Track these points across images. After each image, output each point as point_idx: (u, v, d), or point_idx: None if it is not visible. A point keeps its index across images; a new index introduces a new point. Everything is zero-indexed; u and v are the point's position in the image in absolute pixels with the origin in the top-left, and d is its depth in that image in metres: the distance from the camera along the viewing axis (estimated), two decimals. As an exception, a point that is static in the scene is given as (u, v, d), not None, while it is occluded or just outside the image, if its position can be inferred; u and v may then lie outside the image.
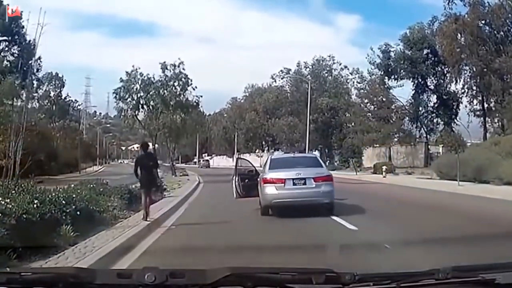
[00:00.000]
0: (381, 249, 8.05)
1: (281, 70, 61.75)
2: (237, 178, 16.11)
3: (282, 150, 63.08)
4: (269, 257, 7.46)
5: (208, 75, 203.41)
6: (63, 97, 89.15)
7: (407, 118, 50.95)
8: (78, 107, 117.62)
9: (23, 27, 37.12)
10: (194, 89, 34.91)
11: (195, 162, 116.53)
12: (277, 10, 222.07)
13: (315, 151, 56.15)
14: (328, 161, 55.43)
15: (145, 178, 12.11)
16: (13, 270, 3.23)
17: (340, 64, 58.97)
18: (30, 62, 55.76)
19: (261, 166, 19.30)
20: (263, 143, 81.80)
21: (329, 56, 59.55)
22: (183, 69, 34.87)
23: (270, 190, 13.09)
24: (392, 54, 51.05)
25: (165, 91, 34.49)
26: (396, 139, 48.78)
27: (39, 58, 56.72)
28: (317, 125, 54.52)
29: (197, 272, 2.32)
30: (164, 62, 35.39)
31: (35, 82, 61.08)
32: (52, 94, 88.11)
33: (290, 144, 59.60)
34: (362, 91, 52.47)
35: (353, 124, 53.74)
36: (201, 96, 35.17)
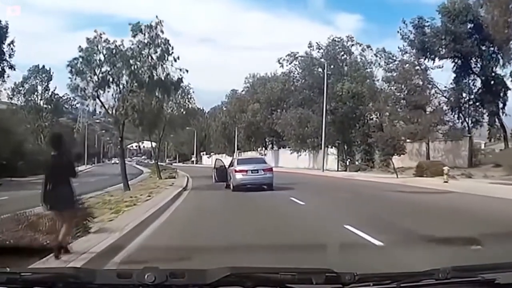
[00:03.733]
0: None
1: (288, 54, 50.87)
2: (215, 171, 26.11)
3: (291, 147, 52.18)
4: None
5: (208, 75, 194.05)
6: (50, 91, 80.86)
7: (446, 106, 40.19)
8: (76, 105, 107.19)
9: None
10: (176, 60, 23.98)
11: (193, 161, 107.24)
12: (277, 10, 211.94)
13: (331, 147, 45.35)
14: (349, 160, 44.56)
15: (52, 192, 7.42)
16: (13, 270, 2.55)
17: (360, 45, 48.10)
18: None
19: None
20: (266, 139, 70.73)
21: (347, 37, 48.70)
22: (162, 31, 23.98)
23: (238, 176, 21.76)
24: (427, 29, 40.41)
25: (137, 62, 23.59)
26: (439, 133, 37.88)
27: (12, 42, 48.63)
28: (335, 116, 43.64)
29: (197, 272, 2.27)
30: (138, 23, 24.55)
31: (7, 69, 51.23)
32: (39, 88, 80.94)
33: (300, 140, 48.66)
34: (391, 74, 41.52)
35: (379, 114, 42.93)
36: (187, 71, 24.28)
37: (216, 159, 31.56)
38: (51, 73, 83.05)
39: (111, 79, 24.52)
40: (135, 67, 23.77)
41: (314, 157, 51.50)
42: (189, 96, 37.62)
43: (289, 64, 50.97)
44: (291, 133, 49.72)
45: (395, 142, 29.14)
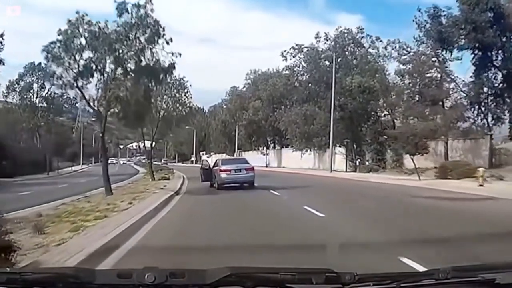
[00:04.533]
0: None
1: (292, 47, 47.32)
2: (202, 171, 26.59)
3: (294, 146, 48.65)
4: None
5: (208, 75, 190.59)
6: (47, 89, 78.24)
7: (465, 101, 36.71)
8: (76, 104, 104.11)
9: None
10: (168, 43, 20.49)
11: (192, 161, 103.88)
12: (277, 10, 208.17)
13: (339, 146, 41.84)
14: (359, 160, 41.02)
15: None
16: (13, 270, 2.84)
17: (370, 37, 44.49)
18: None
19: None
20: (268, 138, 67.12)
21: (357, 28, 45.08)
22: (152, 10, 20.48)
23: (223, 175, 22.62)
24: (443, 19, 37.00)
25: (122, 45, 20.05)
26: (460, 130, 34.31)
27: (1, 35, 45.60)
28: (344, 112, 40.12)
29: (197, 272, 2.27)
30: (124, 1, 21.00)
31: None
32: (35, 86, 78.33)
33: (305, 139, 45.08)
34: (404, 67, 37.98)
35: (391, 110, 39.44)
36: (179, 55, 20.72)
37: (203, 159, 34.02)
38: (47, 71, 79.77)
39: (94, 67, 21.00)
40: (120, 51, 20.24)
41: (320, 157, 47.98)
42: (185, 90, 34.19)
43: (293, 57, 47.45)
44: (295, 131, 46.18)
45: (417, 140, 25.55)
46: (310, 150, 46.48)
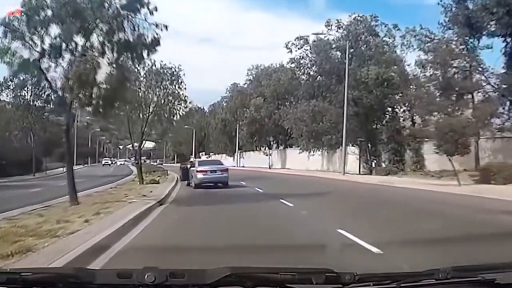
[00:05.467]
0: None
1: (298, 38, 42.80)
2: (181, 171, 28.74)
3: (301, 146, 44.02)
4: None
5: (208, 75, 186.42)
6: (41, 87, 75.22)
7: (495, 94, 32.17)
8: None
9: None
10: (152, 13, 15.94)
11: (191, 161, 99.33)
12: (278, 10, 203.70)
13: (352, 146, 37.28)
14: (375, 161, 36.45)
15: None
16: (13, 270, 2.62)
17: (385, 26, 39.90)
18: None
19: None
20: (271, 138, 62.35)
21: (371, 16, 40.45)
22: (133, -31, 15.91)
23: (200, 175, 23.65)
24: (469, 4, 32.55)
25: (92, 13, 15.47)
26: (496, 127, 29.67)
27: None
28: (358, 107, 35.56)
29: (197, 272, 2.23)
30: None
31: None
32: (29, 83, 75.96)
33: (313, 137, 40.46)
34: (426, 57, 33.41)
35: (410, 105, 34.93)
36: (166, 28, 16.11)
37: (181, 161, 33.34)
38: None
39: (64, 46, 16.42)
40: (89, 21, 15.68)
41: (329, 158, 43.44)
42: (179, 81, 29.64)
43: (299, 49, 42.92)
44: (302, 129, 41.55)
45: (458, 137, 20.96)
46: (318, 150, 41.92)
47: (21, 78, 75.50)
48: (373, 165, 35.60)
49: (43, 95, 75.85)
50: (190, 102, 30.76)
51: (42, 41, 16.34)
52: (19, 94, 77.24)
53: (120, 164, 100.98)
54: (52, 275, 2.30)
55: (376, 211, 12.99)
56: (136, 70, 29.11)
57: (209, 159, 34.04)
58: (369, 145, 36.74)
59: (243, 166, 68.88)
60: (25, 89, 77.45)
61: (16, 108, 75.22)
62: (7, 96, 75.74)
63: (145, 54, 15.77)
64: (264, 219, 11.42)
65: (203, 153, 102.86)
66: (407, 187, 21.99)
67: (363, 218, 11.19)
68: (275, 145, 63.10)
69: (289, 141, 54.81)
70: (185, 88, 29.89)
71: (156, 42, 15.98)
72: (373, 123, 36.55)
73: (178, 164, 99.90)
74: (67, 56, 16.41)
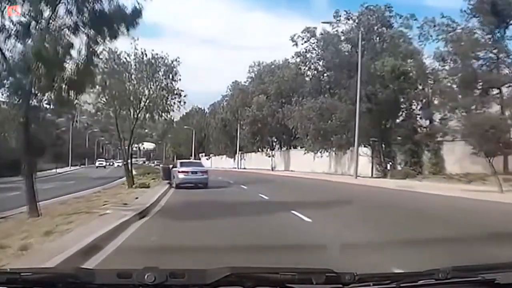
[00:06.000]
0: None
1: (305, 30, 39.57)
2: (162, 171, 29.61)
3: (307, 147, 40.71)
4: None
5: (209, 76, 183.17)
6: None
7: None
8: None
9: None
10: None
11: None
12: (279, 10, 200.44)
13: (364, 146, 33.99)
14: (390, 163, 33.14)
15: None
16: (13, 270, 2.51)
17: (400, 17, 36.58)
18: None
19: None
20: (274, 138, 58.85)
21: (385, 6, 37.13)
22: None
23: (181, 176, 24.21)
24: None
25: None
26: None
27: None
28: (372, 104, 32.25)
29: (197, 272, 2.23)
30: None
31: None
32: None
33: (321, 137, 37.18)
34: (446, 48, 30.18)
35: (427, 101, 31.68)
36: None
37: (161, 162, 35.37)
38: None
39: (34, 24, 13.12)
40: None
41: (337, 159, 40.13)
42: (174, 72, 26.40)
43: (306, 42, 39.69)
44: (308, 128, 38.26)
45: (500, 135, 17.65)
46: (326, 151, 38.64)
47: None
48: (388, 168, 32.28)
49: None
50: (185, 96, 27.12)
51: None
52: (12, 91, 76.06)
53: (118, 165, 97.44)
54: (52, 275, 2.28)
55: (432, 229, 9.55)
56: (125, 60, 26.20)
57: (190, 160, 36.75)
58: (383, 145, 33.42)
59: (244, 168, 65.60)
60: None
61: (10, 107, 73.89)
62: (2, 94, 75.20)
63: (123, 29, 12.51)
64: (279, 250, 7.81)
65: (203, 154, 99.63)
66: (437, 194, 18.59)
67: (426, 244, 7.78)
68: (277, 146, 59.74)
69: (293, 142, 51.52)
70: (179, 79, 26.55)
71: (137, 13, 12.70)
72: (387, 121, 33.25)
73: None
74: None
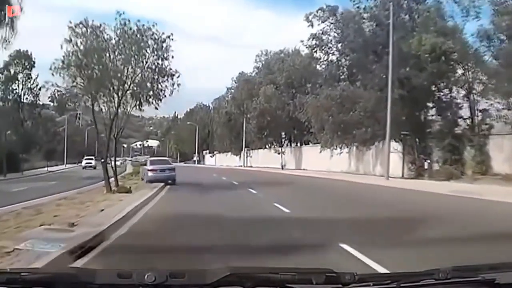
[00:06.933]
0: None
1: (321, 9, 34.19)
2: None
3: (324, 142, 35.30)
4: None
5: (214, 74, 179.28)
6: (33, 79, 67.13)
7: None
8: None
9: None
10: None
11: (195, 160, 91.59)
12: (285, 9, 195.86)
13: (395, 141, 28.57)
14: (428, 161, 27.71)
15: None
16: (13, 270, 2.52)
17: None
18: None
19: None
20: (283, 133, 53.19)
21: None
22: None
23: (151, 173, 25.60)
24: None
25: None
26: None
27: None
28: (405, 90, 26.87)
29: (197, 272, 2.17)
30: None
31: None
32: (20, 76, 65.91)
33: (341, 131, 31.84)
34: (490, 26, 24.85)
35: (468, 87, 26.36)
36: None
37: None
38: (34, 60, 69.20)
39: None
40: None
41: (359, 156, 34.72)
42: (165, 48, 21.19)
43: (323, 22, 34.29)
44: (326, 120, 32.90)
45: None
46: (346, 146, 33.32)
47: (12, 71, 69.91)
48: (425, 166, 26.87)
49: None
50: (178, 77, 21.71)
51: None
52: (9, 87, 72.16)
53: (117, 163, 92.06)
54: (52, 275, 2.22)
55: None
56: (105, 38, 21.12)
57: (160, 158, 37.71)
58: (417, 140, 28.03)
59: (250, 166, 60.32)
60: (16, 82, 72.63)
61: (5, 102, 70.39)
62: None
63: None
64: None
65: (207, 151, 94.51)
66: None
67: None
68: (287, 142, 54.24)
69: (305, 137, 46.11)
70: (172, 57, 21.30)
71: None
72: (421, 111, 27.92)
73: (181, 164, 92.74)
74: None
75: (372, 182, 24.28)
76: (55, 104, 23.90)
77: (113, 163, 23.32)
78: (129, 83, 20.75)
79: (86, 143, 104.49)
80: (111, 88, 20.45)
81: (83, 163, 63.63)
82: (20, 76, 70.47)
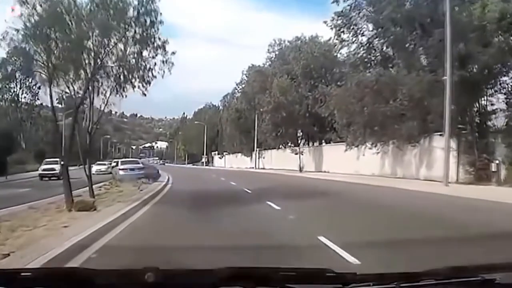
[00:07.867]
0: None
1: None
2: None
3: (351, 140, 29.39)
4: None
5: (220, 74, 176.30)
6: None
7: None
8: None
9: None
10: None
11: (203, 162, 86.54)
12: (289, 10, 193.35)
13: (452, 138, 22.48)
14: (496, 162, 21.66)
15: None
16: (13, 270, 2.46)
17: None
18: None
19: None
20: (300, 131, 46.89)
21: None
22: None
23: (122, 172, 29.24)
24: None
25: None
26: None
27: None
28: (464, 72, 20.98)
29: (197, 272, 2.14)
30: None
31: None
32: (17, 74, 66.99)
33: (378, 126, 25.95)
34: None
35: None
36: None
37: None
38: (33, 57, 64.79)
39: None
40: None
41: (396, 156, 28.62)
42: (152, 11, 15.44)
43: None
44: (359, 113, 26.94)
45: None
46: (382, 145, 27.39)
47: (9, 69, 65.97)
48: (494, 169, 20.80)
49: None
50: (173, 53, 15.90)
51: None
52: (6, 86, 69.68)
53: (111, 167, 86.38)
54: (52, 275, 2.23)
55: None
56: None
57: (129, 159, 42.88)
58: (477, 135, 22.04)
59: (263, 168, 54.38)
60: (13, 81, 69.68)
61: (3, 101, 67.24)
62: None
63: None
64: None
65: (216, 152, 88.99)
66: None
67: None
68: (303, 141, 48.08)
69: (327, 135, 40.09)
70: (161, 22, 15.53)
71: None
72: (481, 98, 21.99)
73: (189, 166, 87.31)
74: None
75: (425, 189, 18.28)
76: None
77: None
78: (101, 58, 15.06)
79: (87, 145, 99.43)
80: (78, 60, 14.75)
81: (40, 169, 38.97)
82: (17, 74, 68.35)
